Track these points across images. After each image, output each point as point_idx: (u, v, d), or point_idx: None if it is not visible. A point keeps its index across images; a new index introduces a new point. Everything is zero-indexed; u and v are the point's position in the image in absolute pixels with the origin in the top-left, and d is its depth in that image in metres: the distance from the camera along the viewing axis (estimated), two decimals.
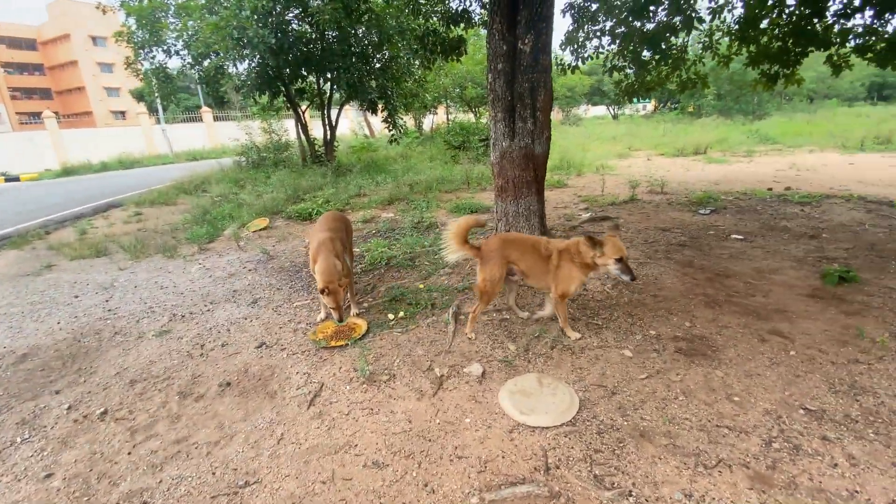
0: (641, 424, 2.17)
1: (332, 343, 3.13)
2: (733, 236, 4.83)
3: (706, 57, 6.24)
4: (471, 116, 19.34)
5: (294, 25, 9.72)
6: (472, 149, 12.54)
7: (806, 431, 2.04)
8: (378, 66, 10.99)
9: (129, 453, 2.27)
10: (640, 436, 2.10)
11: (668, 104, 33.72)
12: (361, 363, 2.77)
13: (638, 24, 4.82)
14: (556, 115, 34.39)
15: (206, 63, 9.93)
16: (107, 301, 4.31)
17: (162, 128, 24.32)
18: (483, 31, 13.62)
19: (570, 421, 2.23)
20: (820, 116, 19.91)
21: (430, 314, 3.46)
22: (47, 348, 3.43)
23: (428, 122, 21.18)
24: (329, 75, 11.11)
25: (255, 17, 8.30)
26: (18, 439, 2.40)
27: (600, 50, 5.68)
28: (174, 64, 11.03)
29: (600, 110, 39.59)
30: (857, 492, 1.73)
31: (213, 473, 2.10)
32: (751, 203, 6.38)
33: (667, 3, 4.69)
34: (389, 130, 11.69)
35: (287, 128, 15.35)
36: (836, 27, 5.89)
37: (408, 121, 21.13)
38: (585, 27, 5.72)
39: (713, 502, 1.74)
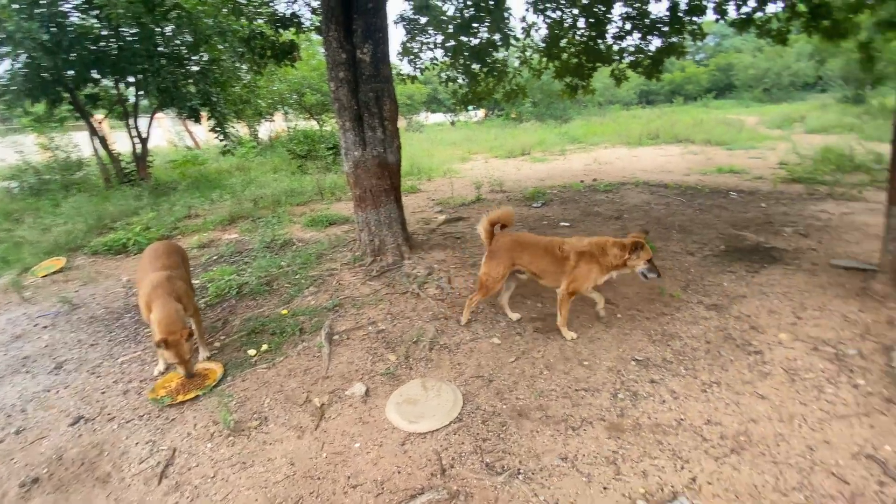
0: (518, 404, 2.37)
1: (180, 398, 2.65)
2: (562, 223, 5.65)
3: (523, 70, 7.15)
4: (313, 124, 18.58)
5: (75, 19, 7.95)
6: (320, 157, 12.05)
7: (639, 379, 2.50)
8: (196, 69, 9.71)
9: None
10: (518, 415, 2.29)
11: (495, 111, 37.74)
12: (223, 414, 2.41)
13: (465, 38, 5.28)
14: (400, 122, 35.35)
15: None
16: None
17: None
18: (315, 37, 13.21)
19: (457, 417, 2.31)
20: (608, 119, 24.61)
21: (299, 341, 3.20)
22: None
23: (264, 130, 19.61)
24: (132, 79, 9.41)
25: (16, 6, 6.53)
26: None
27: (434, 61, 6.03)
28: None
29: (439, 117, 42.11)
30: (682, 419, 2.18)
31: None
32: (570, 194, 7.54)
33: (487, 21, 5.24)
34: (221, 141, 10.45)
35: (78, 142, 12.51)
36: (615, 47, 7.35)
37: (241, 129, 19.26)
38: (418, 39, 6.01)
39: (584, 458, 1.99)
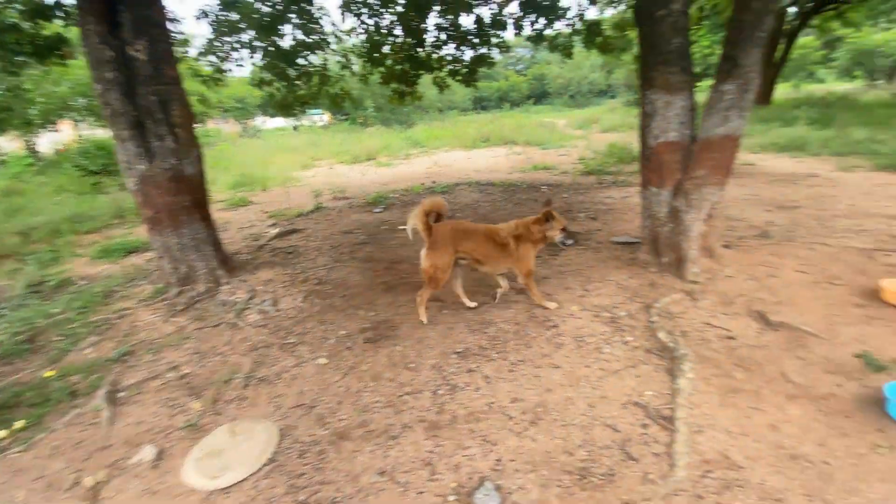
0: (340, 426, 2.25)
1: None
2: (400, 227, 5.71)
3: (346, 75, 7.04)
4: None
5: None
6: (117, 174, 10.07)
7: (458, 371, 2.60)
8: None
9: None
10: (339, 438, 2.17)
11: (338, 116, 36.98)
12: None
13: (275, 39, 4.90)
14: (235, 128, 32.06)
15: None
16: None
17: None
18: None
19: (270, 459, 2.08)
20: (448, 123, 26.16)
21: (69, 408, 2.54)
22: None
23: (46, 142, 15.68)
24: None
25: None
26: None
27: (241, 63, 5.49)
28: None
29: (280, 122, 39.44)
30: (492, 402, 2.32)
31: None
32: (411, 197, 7.72)
33: (295, 21, 4.96)
34: None
35: None
36: (434, 55, 7.74)
37: (6, 144, 15.17)
38: (223, 38, 5.39)
39: (402, 466, 1.97)
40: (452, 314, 3.29)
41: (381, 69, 7.37)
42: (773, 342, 2.62)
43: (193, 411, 2.46)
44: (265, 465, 2.05)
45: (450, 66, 7.72)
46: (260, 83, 5.59)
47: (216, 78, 5.41)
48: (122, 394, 2.64)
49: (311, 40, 5.39)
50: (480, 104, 46.67)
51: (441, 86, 7.86)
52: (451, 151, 15.18)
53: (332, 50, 6.00)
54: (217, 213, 7.33)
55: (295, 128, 34.64)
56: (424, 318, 3.18)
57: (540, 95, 45.08)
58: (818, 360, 2.42)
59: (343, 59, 6.80)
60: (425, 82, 8.78)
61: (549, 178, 8.68)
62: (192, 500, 1.90)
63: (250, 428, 2.27)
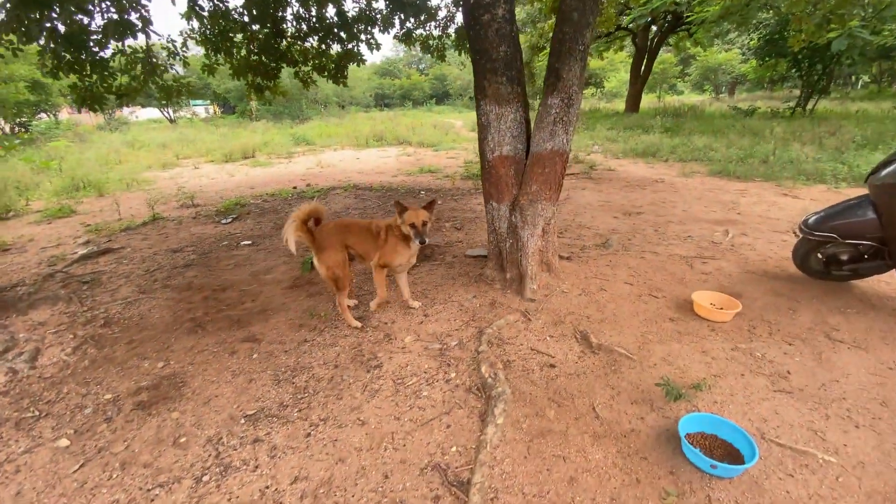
0: None
1: None
2: (243, 243, 4.99)
3: (174, 63, 6.05)
4: None
5: None
6: None
7: (241, 442, 2.11)
8: None
9: None
10: None
11: (225, 108, 33.63)
12: None
13: (44, 14, 3.83)
14: (96, 119, 27.42)
15: None
16: None
17: None
18: None
19: None
20: (347, 120, 25.06)
21: None
22: None
23: None
24: None
25: None
26: None
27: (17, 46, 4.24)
28: None
29: (156, 113, 34.71)
30: (268, 487, 1.86)
31: None
32: (274, 204, 6.95)
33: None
34: None
35: None
36: (297, 47, 7.02)
37: None
38: None
39: None
40: (264, 359, 2.77)
41: (232, 60, 6.47)
42: (591, 368, 2.53)
43: None
44: None
45: (315, 61, 7.07)
46: (52, 71, 4.44)
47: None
48: None
49: (101, 21, 4.37)
50: (384, 101, 45.84)
51: (305, 81, 7.18)
52: (340, 150, 14.41)
53: (157, 35, 5.01)
54: (23, 230, 5.92)
55: (171, 120, 30.71)
56: (355, 323, 3.07)
57: (441, 95, 45.62)
58: (627, 388, 2.36)
59: (169, 46, 5.80)
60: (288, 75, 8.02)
61: (432, 182, 8.46)
62: None
63: None
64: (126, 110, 32.15)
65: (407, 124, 19.23)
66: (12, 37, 3.94)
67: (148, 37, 5.08)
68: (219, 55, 6.26)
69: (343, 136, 17.17)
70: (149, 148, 15.02)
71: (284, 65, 6.99)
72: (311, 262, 3.84)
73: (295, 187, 8.27)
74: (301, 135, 16.67)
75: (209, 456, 2.03)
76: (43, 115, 23.80)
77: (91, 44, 4.46)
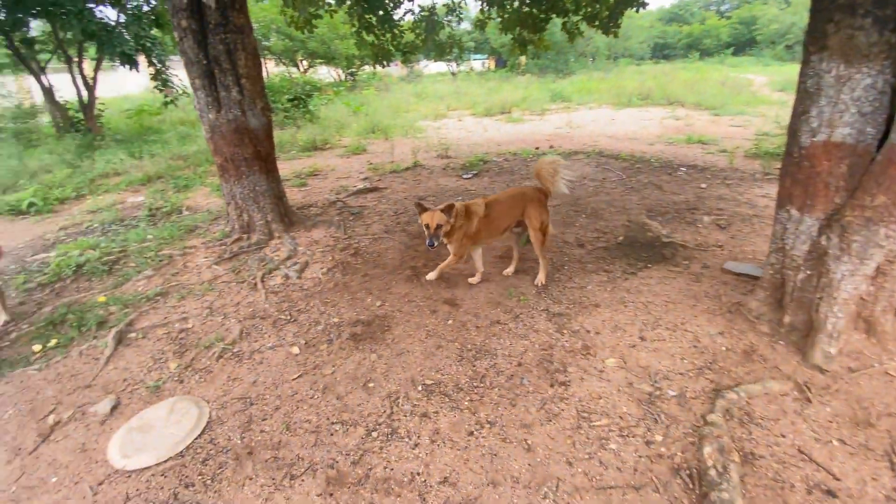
0: (256, 439, 2.03)
1: None
2: None
3: (453, 20, 6.33)
4: (291, 71, 17.57)
5: None
6: (277, 111, 11.32)
7: (411, 411, 2.13)
8: (131, 12, 8.91)
9: None
10: (246, 454, 1.96)
11: (500, 61, 35.57)
12: None
13: None
14: (401, 71, 33.62)
15: None
16: None
17: None
18: None
19: (180, 452, 1.99)
20: (613, 74, 22.95)
21: (92, 336, 2.87)
22: None
23: None
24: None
25: None
26: None
27: (325, 8, 5.25)
28: None
29: (441, 67, 39.99)
30: (418, 474, 1.82)
31: None
32: (514, 164, 6.91)
33: None
34: (160, 91, 9.81)
35: (31, 88, 11.96)
36: None
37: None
38: None
39: None
40: (455, 329, 2.74)
41: (502, 13, 6.43)
42: None
43: (167, 371, 2.53)
44: (173, 457, 1.96)
45: (587, 9, 6.35)
46: (358, 31, 5.34)
47: (306, 26, 5.31)
48: (132, 335, 2.88)
49: None
50: (662, 52, 39.91)
51: (572, 33, 6.57)
52: (596, 109, 13.31)
53: None
54: (331, 160, 7.73)
55: (453, 74, 34.77)
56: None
57: (743, 44, 36.26)
58: None
59: (450, 2, 6.09)
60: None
61: (700, 156, 6.83)
62: (98, 472, 1.93)
63: (187, 409, 2.22)
64: (422, 63, 38.10)
65: (684, 80, 16.15)
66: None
67: None
68: (492, 9, 6.30)
69: (603, 93, 15.76)
70: (429, 99, 17.37)
71: (554, 15, 6.54)
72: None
73: (537, 148, 8.05)
74: (559, 91, 16.13)
75: (384, 412, 2.13)
76: (367, 66, 30.32)
77: (388, 3, 5.11)
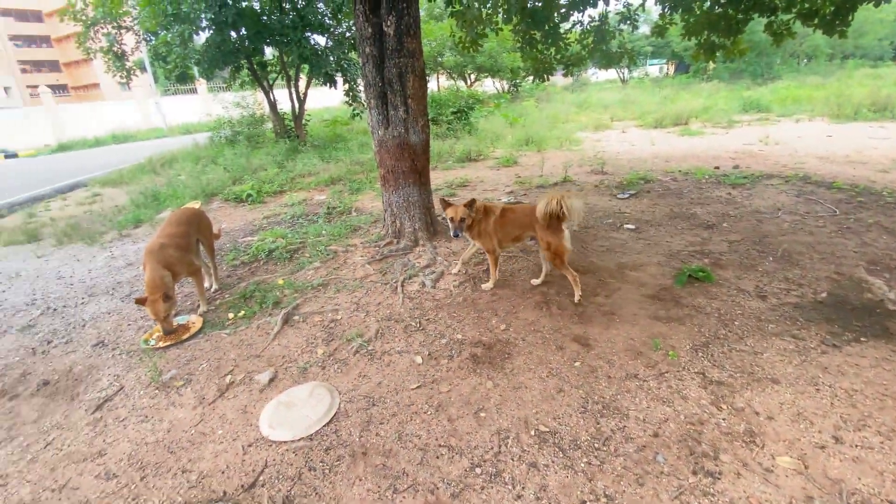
0: (371, 441, 2.16)
1: (160, 344, 3.17)
2: (626, 226, 4.62)
3: (625, 30, 5.79)
4: (459, 84, 18.71)
5: None
6: (441, 122, 12.17)
7: (521, 456, 1.99)
8: (336, 38, 10.62)
9: None
10: (361, 454, 2.09)
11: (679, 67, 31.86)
12: (153, 372, 2.82)
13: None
14: (565, 81, 32.93)
15: (157, 40, 9.78)
16: (2, 292, 4.45)
17: (155, 101, 24.37)
18: None
19: (310, 436, 2.24)
20: (834, 79, 18.49)
21: (267, 314, 3.46)
22: None
23: None
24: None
25: None
26: None
27: (494, 28, 5.29)
28: (130, 40, 10.86)
29: (612, 74, 37.72)
30: None
31: None
32: (682, 185, 6.06)
33: None
34: (349, 105, 11.43)
35: (262, 101, 15.21)
36: None
37: None
38: (475, 5, 5.30)
39: None
40: (584, 374, 2.49)
41: (687, 16, 5.69)
42: None
43: (314, 356, 2.90)
44: (304, 438, 2.22)
45: (803, 5, 5.18)
46: (522, 46, 5.32)
47: (469, 45, 5.46)
48: (295, 317, 3.37)
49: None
50: None
51: (779, 34, 5.45)
52: (805, 122, 10.87)
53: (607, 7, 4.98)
54: (482, 172, 7.96)
55: (623, 81, 32.51)
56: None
57: None
58: None
59: (625, 11, 5.59)
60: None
61: None
62: (250, 435, 2.29)
63: (323, 396, 2.49)
64: (590, 70, 36.57)
65: None
66: (497, 18, 4.94)
67: (606, 4, 5.14)
68: (675, 13, 5.63)
69: (818, 102, 12.78)
70: (592, 109, 16.55)
71: (756, 15, 5.52)
72: (689, 274, 3.11)
73: (717, 167, 6.92)
74: (754, 99, 13.66)
75: (491, 448, 2.05)
76: (530, 77, 30.45)
77: (556, 16, 4.98)
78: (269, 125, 13.62)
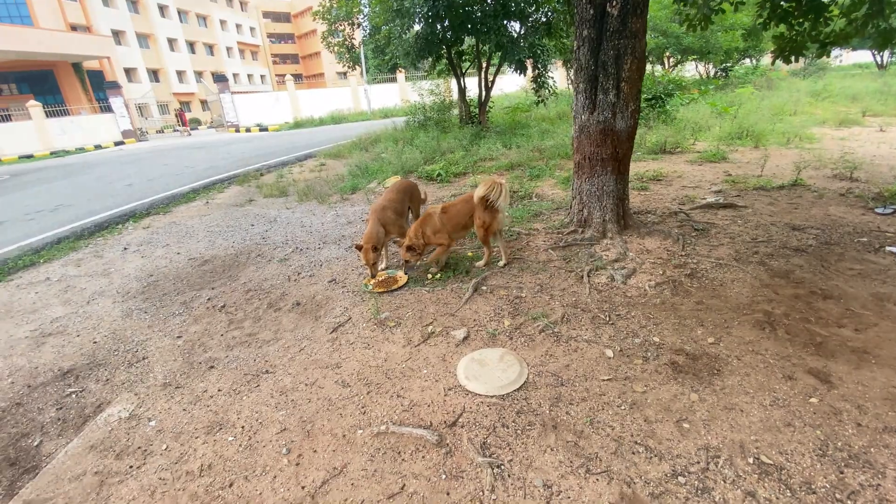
0: (561, 417, 2.22)
1: (375, 289, 3.80)
2: (888, 248, 3.59)
3: None
4: (656, 68, 16.96)
5: None
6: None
7: (735, 481, 1.79)
8: (530, 24, 10.67)
9: (222, 335, 3.41)
10: (552, 426, 2.17)
11: None
12: (374, 310, 3.38)
13: None
14: (796, 65, 26.85)
15: (379, 34, 11.32)
16: (266, 231, 5.90)
17: (364, 88, 28.42)
18: None
19: (502, 396, 2.41)
20: None
21: (460, 280, 3.80)
22: (220, 258, 5.05)
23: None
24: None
25: None
26: (176, 312, 3.83)
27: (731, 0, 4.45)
28: (356, 36, 12.79)
29: (865, 56, 29.12)
30: None
31: (254, 360, 3.03)
32: None
33: None
34: (536, 92, 11.40)
35: (451, 88, 16.33)
36: None
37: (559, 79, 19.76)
38: None
39: (565, 499, 1.80)
40: (821, 416, 2.08)
41: None
42: None
43: (502, 326, 3.09)
44: (497, 397, 2.41)
45: None
46: (765, 22, 4.43)
47: (702, 23, 4.70)
48: (483, 288, 3.63)
49: None
50: None
51: None
52: None
53: None
54: (679, 166, 7.18)
55: (881, 66, 24.75)
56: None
57: None
58: None
59: None
60: None
61: None
62: (449, 381, 2.59)
63: (512, 363, 2.64)
64: (834, 53, 28.90)
65: None
66: None
67: None
68: None
69: None
70: (834, 99, 13.16)
71: None
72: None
73: None
74: None
75: (697, 462, 1.90)
76: (746, 60, 25.41)
77: None
78: (455, 112, 14.60)
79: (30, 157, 20.01)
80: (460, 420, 2.28)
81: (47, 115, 21.70)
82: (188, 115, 32.56)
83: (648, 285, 3.38)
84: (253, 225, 6.22)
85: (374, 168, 8.83)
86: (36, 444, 2.53)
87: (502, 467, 1.97)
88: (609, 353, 2.67)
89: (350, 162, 10.26)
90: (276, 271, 4.50)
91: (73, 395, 2.88)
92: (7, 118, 21.72)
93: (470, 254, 4.25)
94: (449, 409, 2.37)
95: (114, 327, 3.66)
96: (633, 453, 1.97)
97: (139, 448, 2.33)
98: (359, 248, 3.72)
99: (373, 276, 3.80)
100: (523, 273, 3.80)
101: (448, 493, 1.88)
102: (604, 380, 2.46)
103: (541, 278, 3.68)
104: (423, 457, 2.08)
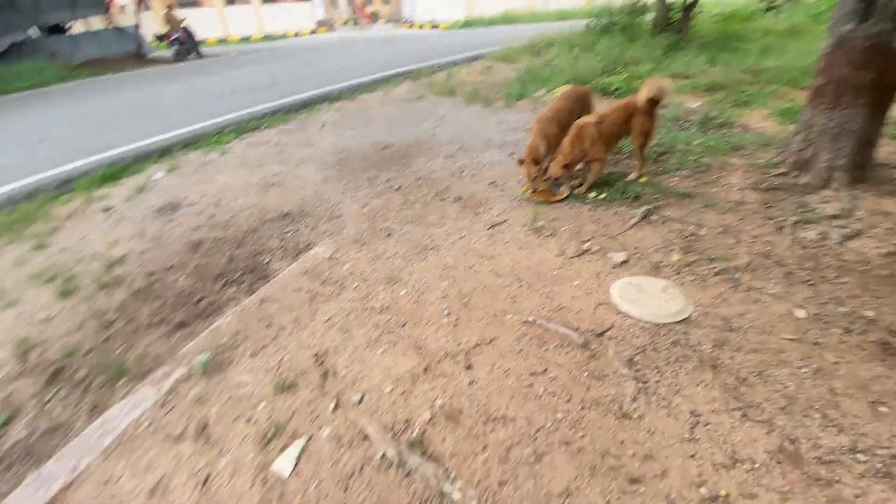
0: (723, 360, 2.09)
1: (534, 198, 3.82)
2: None
3: None
4: None
5: None
6: None
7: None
8: None
9: (398, 211, 3.88)
10: (711, 365, 2.07)
11: None
12: (531, 217, 3.43)
13: None
14: None
15: None
16: (436, 127, 6.20)
17: None
18: None
19: (657, 324, 2.35)
20: None
21: (626, 204, 3.57)
22: (396, 146, 5.54)
23: None
24: None
25: None
26: (361, 185, 4.43)
27: None
28: None
29: None
30: None
31: (422, 237, 3.43)
32: None
33: None
34: None
35: None
36: None
37: None
38: None
39: (712, 432, 1.77)
40: None
41: None
42: None
43: (669, 259, 2.89)
44: (654, 325, 2.36)
45: None
46: None
47: None
48: (653, 217, 3.36)
49: None
50: None
51: None
52: None
53: None
54: None
55: None
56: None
57: None
58: None
59: None
60: None
61: None
62: (600, 296, 2.59)
63: (676, 296, 2.51)
64: None
65: None
66: None
67: None
68: None
69: None
70: None
71: None
72: None
73: None
74: None
75: (888, 448, 1.65)
76: None
77: None
78: (648, 17, 12.40)
79: (247, 39, 23.58)
80: (608, 333, 2.32)
81: (262, 1, 24.84)
82: (369, 9, 34.06)
83: (875, 252, 2.74)
84: (424, 120, 6.56)
85: (544, 75, 8.30)
86: (266, 261, 3.36)
87: (647, 385, 2.00)
88: (800, 313, 2.34)
89: (519, 67, 9.79)
90: (442, 165, 4.79)
91: (290, 233, 3.67)
92: (232, 1, 25.52)
93: (643, 178, 3.90)
94: (598, 320, 2.41)
95: (316, 188, 4.44)
96: (806, 416, 1.80)
97: (337, 282, 2.93)
98: (520, 162, 3.71)
99: (532, 190, 3.79)
100: (707, 210, 3.39)
101: (588, 389, 2.00)
102: (785, 338, 2.19)
103: (727, 219, 3.25)
104: (567, 353, 2.21)
